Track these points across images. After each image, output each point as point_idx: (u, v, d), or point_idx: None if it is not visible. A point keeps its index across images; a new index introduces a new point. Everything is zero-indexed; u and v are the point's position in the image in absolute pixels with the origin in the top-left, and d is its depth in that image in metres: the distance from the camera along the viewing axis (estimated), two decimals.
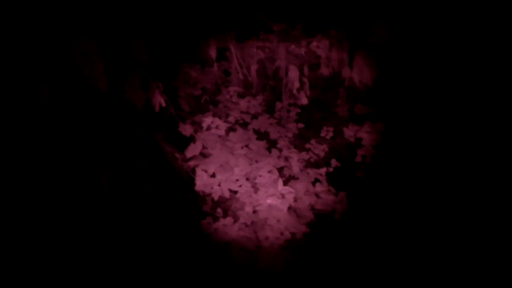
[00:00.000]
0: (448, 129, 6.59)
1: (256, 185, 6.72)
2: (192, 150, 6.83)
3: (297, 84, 6.86)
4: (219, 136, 6.89)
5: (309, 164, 7.06)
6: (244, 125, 7.10)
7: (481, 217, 6.37)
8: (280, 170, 6.89)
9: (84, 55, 5.70)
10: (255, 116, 7.14)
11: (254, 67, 7.17)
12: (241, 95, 7.25)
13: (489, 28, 6.20)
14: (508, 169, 6.36)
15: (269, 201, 6.60)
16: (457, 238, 6.41)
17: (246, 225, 6.71)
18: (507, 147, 6.37)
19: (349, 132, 6.96)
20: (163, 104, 6.50)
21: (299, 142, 7.15)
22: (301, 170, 6.98)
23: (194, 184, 6.73)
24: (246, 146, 6.89)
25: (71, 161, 6.06)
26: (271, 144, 7.02)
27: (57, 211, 6.17)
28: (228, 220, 6.68)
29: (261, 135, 7.08)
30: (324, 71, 6.92)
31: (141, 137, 6.67)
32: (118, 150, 6.44)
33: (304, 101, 6.95)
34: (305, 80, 6.94)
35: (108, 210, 6.37)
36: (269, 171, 6.74)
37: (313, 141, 7.13)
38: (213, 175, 6.79)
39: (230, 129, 6.99)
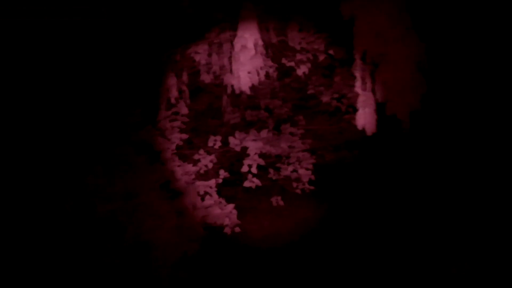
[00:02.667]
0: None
1: (137, 205, 6.20)
2: None
3: (175, 93, 6.42)
4: None
5: (197, 177, 6.70)
6: None
7: (456, 217, 6.40)
8: (165, 185, 6.44)
9: None
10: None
11: None
12: None
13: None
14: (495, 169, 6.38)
15: (152, 220, 6.13)
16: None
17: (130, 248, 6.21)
18: (487, 146, 6.36)
19: (234, 141, 6.66)
20: None
21: (185, 153, 6.76)
22: (188, 184, 6.58)
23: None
24: (125, 162, 6.35)
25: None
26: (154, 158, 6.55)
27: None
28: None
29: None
30: (205, 77, 6.53)
31: None
32: None
33: (184, 110, 6.52)
34: (185, 88, 6.52)
35: None
36: (151, 188, 6.26)
37: (201, 152, 6.78)
38: None
39: None
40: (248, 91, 6.19)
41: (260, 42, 5.85)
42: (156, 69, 6.45)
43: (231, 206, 6.55)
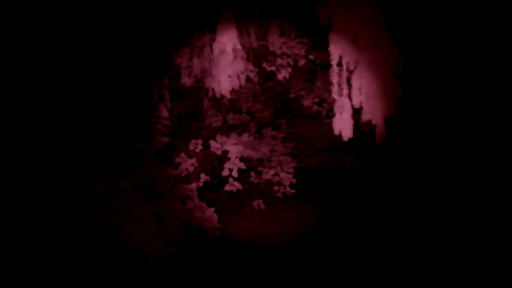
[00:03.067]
0: None
1: (116, 209, 6.17)
2: None
3: (155, 96, 6.41)
4: None
5: (178, 180, 6.69)
6: None
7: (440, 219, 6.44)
8: (144, 189, 6.42)
9: None
10: None
11: None
12: None
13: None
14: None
15: (131, 225, 6.10)
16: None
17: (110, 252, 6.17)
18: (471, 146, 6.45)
19: (215, 145, 6.67)
20: None
21: (166, 157, 6.75)
22: (169, 187, 6.57)
23: None
24: (104, 165, 6.32)
25: None
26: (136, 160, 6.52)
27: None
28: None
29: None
30: (186, 81, 6.53)
31: None
32: None
33: (164, 113, 6.51)
34: (165, 91, 6.52)
35: None
36: (130, 192, 6.23)
37: (182, 155, 6.77)
38: None
39: None
40: (228, 95, 6.20)
41: (239, 47, 5.86)
42: (137, 73, 6.43)
43: (211, 210, 6.54)
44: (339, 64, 5.10)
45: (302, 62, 6.53)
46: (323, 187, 7.90)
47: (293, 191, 7.06)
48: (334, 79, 5.13)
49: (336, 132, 5.30)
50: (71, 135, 6.01)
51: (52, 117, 6.04)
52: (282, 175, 7.05)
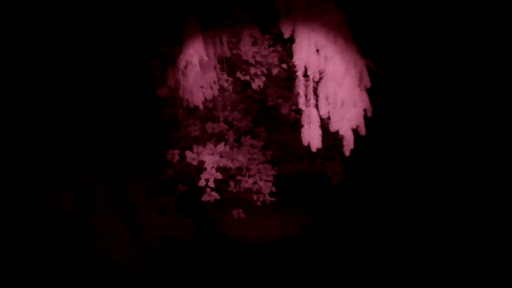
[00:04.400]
0: None
1: (89, 222, 6.14)
2: None
3: (129, 107, 6.38)
4: None
5: (155, 192, 6.65)
6: None
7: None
8: (119, 201, 6.38)
9: None
10: None
11: None
12: None
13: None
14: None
15: (105, 238, 6.06)
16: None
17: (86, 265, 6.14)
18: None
19: (191, 155, 6.63)
20: None
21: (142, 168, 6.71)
22: (145, 199, 6.53)
23: None
24: (76, 176, 6.27)
25: None
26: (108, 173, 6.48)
27: None
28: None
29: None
30: (161, 92, 6.50)
31: None
32: None
33: (139, 124, 6.47)
34: (140, 101, 6.48)
35: None
36: (104, 205, 6.20)
37: (160, 166, 6.74)
38: None
39: None
40: (201, 105, 6.16)
41: (206, 58, 5.82)
42: (110, 84, 6.40)
43: (189, 221, 6.51)
44: (305, 75, 5.07)
45: (275, 70, 6.50)
46: (305, 194, 7.90)
47: (272, 199, 7.02)
48: (301, 89, 5.09)
49: (305, 142, 5.26)
50: (43, 147, 5.97)
51: (22, 129, 6.00)
52: (261, 183, 7.01)
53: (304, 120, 5.16)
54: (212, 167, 6.56)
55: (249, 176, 7.06)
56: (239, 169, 7.07)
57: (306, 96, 5.06)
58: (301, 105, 5.15)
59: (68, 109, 6.08)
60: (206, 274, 6.52)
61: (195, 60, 5.64)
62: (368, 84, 5.04)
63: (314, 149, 5.20)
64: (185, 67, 5.72)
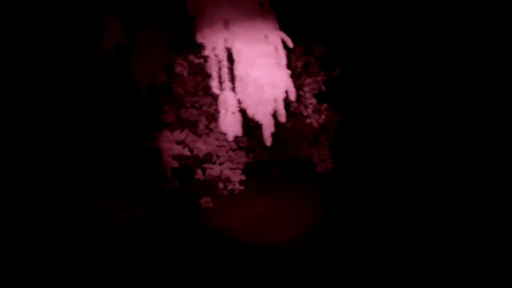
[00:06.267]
0: None
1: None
2: None
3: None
4: None
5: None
6: None
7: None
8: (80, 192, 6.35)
9: None
10: None
11: None
12: None
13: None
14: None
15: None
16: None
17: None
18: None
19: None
20: None
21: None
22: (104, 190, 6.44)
23: None
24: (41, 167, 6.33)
25: None
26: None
27: None
28: None
29: None
30: None
31: None
32: None
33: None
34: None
35: None
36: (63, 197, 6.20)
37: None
38: None
39: None
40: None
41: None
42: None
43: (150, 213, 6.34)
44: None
45: None
46: (291, 180, 7.47)
47: (241, 187, 6.64)
48: (213, 71, 4.62)
49: (223, 129, 4.81)
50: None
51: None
52: (230, 172, 6.66)
53: (221, 105, 4.71)
54: (168, 155, 6.32)
55: (220, 163, 6.73)
56: (208, 156, 6.76)
57: (220, 78, 4.60)
58: (215, 89, 4.69)
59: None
60: (187, 265, 6.37)
61: None
62: (284, 62, 4.44)
63: (231, 138, 4.74)
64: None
